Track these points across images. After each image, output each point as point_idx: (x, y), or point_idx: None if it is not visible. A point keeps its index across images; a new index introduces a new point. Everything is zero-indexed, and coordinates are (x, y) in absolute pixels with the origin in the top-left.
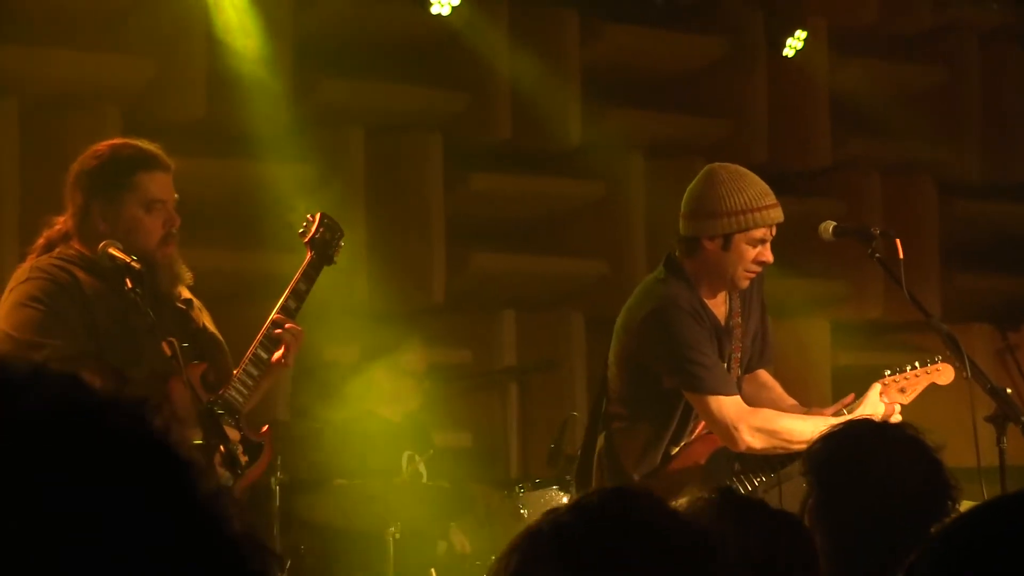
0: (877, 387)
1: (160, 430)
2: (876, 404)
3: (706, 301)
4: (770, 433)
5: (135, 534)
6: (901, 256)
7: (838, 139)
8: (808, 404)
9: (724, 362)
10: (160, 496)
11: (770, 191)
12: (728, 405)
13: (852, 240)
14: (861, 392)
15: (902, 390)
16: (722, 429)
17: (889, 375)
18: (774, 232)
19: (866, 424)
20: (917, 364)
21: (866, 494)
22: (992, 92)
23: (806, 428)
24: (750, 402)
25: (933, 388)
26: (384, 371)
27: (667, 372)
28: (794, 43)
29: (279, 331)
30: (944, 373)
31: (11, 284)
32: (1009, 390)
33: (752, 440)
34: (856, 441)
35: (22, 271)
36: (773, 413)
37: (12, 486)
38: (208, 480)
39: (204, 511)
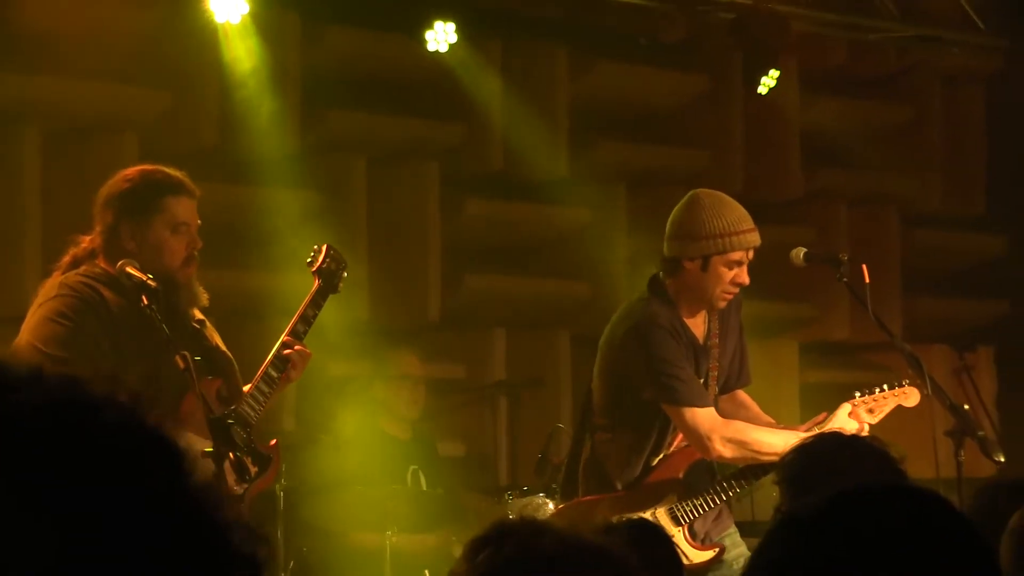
0: (847, 406)
1: (153, 425)
2: (846, 421)
3: (685, 320)
4: (740, 444)
5: (129, 524)
6: (868, 281)
7: (808, 172)
8: (777, 420)
9: (701, 379)
10: (152, 487)
11: (748, 216)
12: (701, 416)
13: (821, 265)
14: (831, 410)
15: (870, 410)
16: (695, 439)
17: (859, 396)
18: (751, 255)
19: (836, 437)
20: (885, 386)
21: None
22: (953, 130)
23: (775, 440)
24: (728, 419)
25: (897, 407)
26: (384, 384)
27: (645, 385)
28: (768, 82)
29: (288, 352)
30: (910, 396)
31: (40, 299)
32: (966, 407)
33: (723, 449)
34: (827, 453)
35: (51, 287)
36: (745, 425)
37: (9, 482)
38: (198, 471)
39: (195, 499)
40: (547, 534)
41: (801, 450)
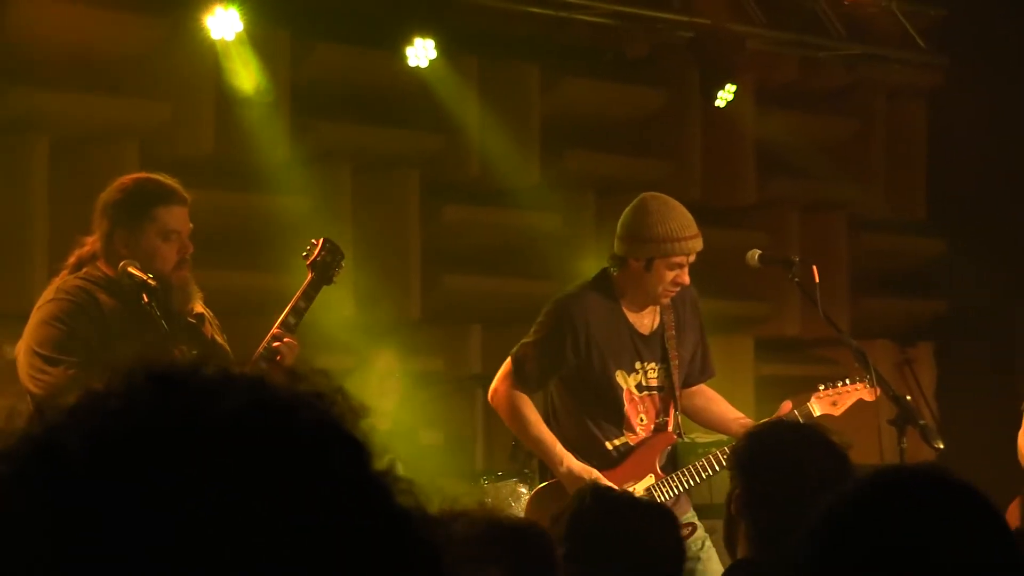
0: (814, 402)
1: (339, 418)
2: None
3: (627, 311)
4: (515, 411)
5: (322, 507)
6: (817, 281)
7: (762, 180)
8: (738, 411)
9: (646, 363)
10: (339, 474)
11: (692, 222)
12: (509, 372)
13: (775, 267)
14: (796, 403)
15: (834, 403)
16: (495, 380)
17: (823, 389)
18: (692, 258)
19: (786, 425)
20: (847, 380)
21: (784, 483)
22: (896, 141)
23: (540, 436)
24: (697, 413)
25: (858, 400)
26: (367, 377)
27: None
28: (725, 95)
29: (278, 344)
30: (870, 390)
31: (39, 302)
32: (908, 397)
33: (494, 399)
34: (777, 440)
35: (49, 291)
36: (529, 408)
37: (218, 479)
38: (382, 458)
39: (376, 485)
40: (459, 520)
41: (752, 437)
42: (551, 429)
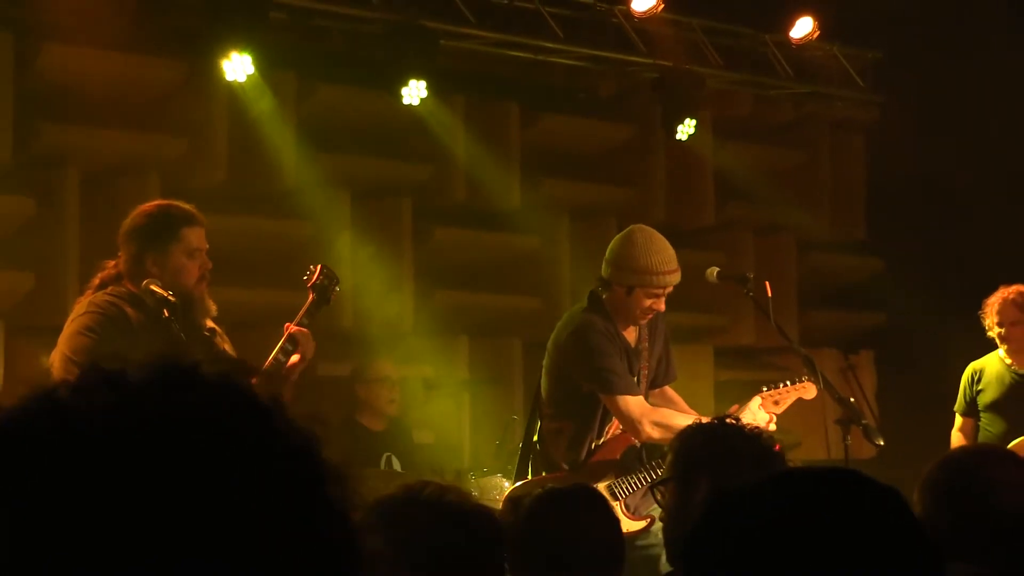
0: (757, 399)
1: (302, 440)
2: (756, 413)
3: (619, 327)
4: (666, 427)
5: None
6: (770, 295)
7: (719, 205)
8: (694, 411)
9: (634, 376)
10: (275, 491)
11: (674, 258)
12: (633, 403)
13: (731, 283)
14: (742, 403)
15: (776, 403)
16: (628, 423)
17: (766, 390)
18: (670, 289)
19: (723, 424)
20: (788, 382)
21: (718, 470)
22: (838, 170)
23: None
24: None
25: (798, 399)
26: (365, 386)
27: (586, 379)
28: (685, 129)
29: (296, 332)
30: (808, 390)
31: (72, 315)
32: (852, 399)
33: (652, 431)
34: (716, 436)
35: (81, 305)
36: (670, 412)
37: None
38: (337, 481)
39: (325, 505)
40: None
41: (699, 432)
42: (542, 424)
